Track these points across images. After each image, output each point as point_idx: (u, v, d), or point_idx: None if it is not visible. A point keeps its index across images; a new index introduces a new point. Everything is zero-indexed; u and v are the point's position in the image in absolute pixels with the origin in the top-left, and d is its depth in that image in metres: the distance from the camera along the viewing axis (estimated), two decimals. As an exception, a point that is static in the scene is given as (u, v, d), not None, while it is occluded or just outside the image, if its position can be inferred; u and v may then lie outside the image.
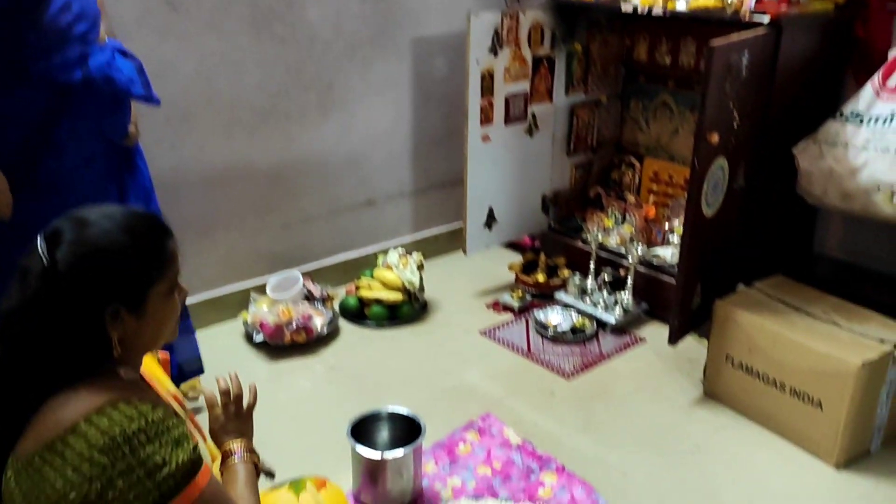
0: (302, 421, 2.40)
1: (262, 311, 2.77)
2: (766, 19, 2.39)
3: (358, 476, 2.01)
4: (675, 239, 3.08)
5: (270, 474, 1.49)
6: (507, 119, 3.08)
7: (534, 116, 3.17)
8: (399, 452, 1.94)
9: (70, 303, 1.12)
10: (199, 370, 2.41)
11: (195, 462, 1.14)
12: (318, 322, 2.78)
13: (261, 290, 2.95)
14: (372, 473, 1.96)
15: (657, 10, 2.72)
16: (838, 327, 2.27)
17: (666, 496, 2.08)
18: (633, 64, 3.39)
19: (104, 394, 1.12)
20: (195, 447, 1.16)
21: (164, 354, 1.54)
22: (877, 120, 2.42)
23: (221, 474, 1.39)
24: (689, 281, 2.43)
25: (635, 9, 2.80)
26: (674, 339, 2.50)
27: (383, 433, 2.13)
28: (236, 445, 1.41)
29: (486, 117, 2.99)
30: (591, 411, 2.47)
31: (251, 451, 1.42)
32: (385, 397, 2.50)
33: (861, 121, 2.46)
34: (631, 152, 3.48)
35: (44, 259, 1.12)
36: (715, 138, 2.25)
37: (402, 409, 2.11)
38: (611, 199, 3.42)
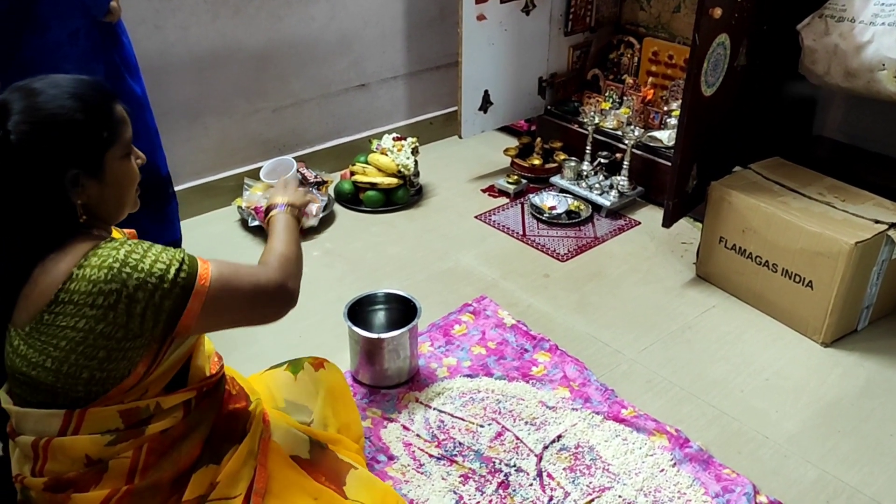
0: (299, 304, 2.43)
1: (256, 196, 2.75)
2: None
3: (355, 356, 2.05)
4: (672, 122, 3.03)
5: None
6: (503, -4, 2.96)
7: (531, -7, 3.06)
8: (395, 333, 1.97)
9: (28, 172, 1.12)
10: None
11: (191, 257, 1.18)
12: (313, 207, 2.77)
13: (254, 175, 2.93)
14: (369, 354, 2.00)
15: None
16: (833, 208, 2.26)
17: (656, 372, 2.14)
18: (635, -64, 3.23)
19: (83, 245, 1.15)
20: (180, 247, 1.18)
21: (130, 231, 1.53)
22: (886, -7, 2.33)
23: (266, 226, 1.45)
24: (686, 162, 2.41)
25: None
26: (668, 221, 2.50)
27: (380, 315, 2.17)
28: (279, 200, 1.46)
29: (481, -6, 2.88)
30: (584, 292, 2.50)
31: (294, 207, 1.46)
32: (381, 280, 2.53)
33: (870, -6, 2.36)
34: (630, 32, 3.37)
35: None
36: (717, 13, 2.17)
37: (399, 291, 2.14)
38: (608, 81, 3.34)
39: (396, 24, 3.22)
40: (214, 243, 2.73)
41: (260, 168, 2.91)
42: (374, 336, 1.97)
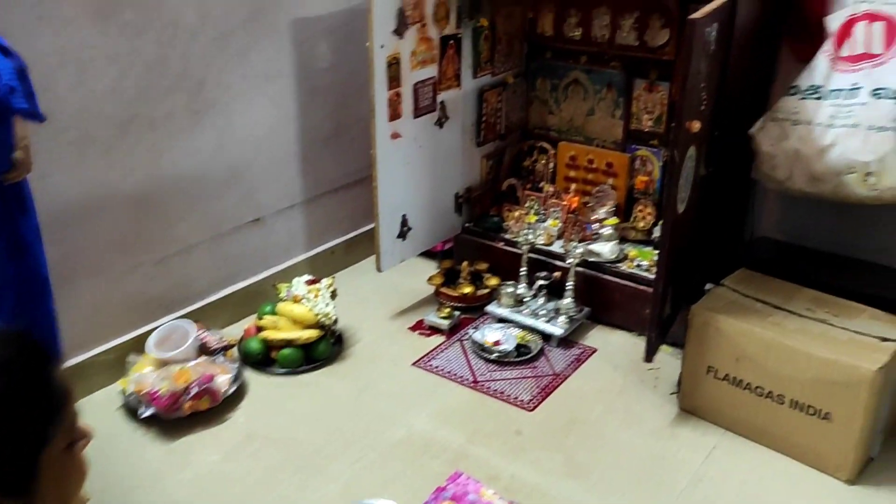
0: (229, 520, 1.89)
1: (147, 376, 2.18)
2: (724, -15, 2.11)
3: None
4: (607, 231, 2.80)
5: None
6: (417, 111, 2.64)
7: (443, 105, 2.76)
8: (393, 570, 1.50)
9: None
10: None
11: None
12: (223, 381, 2.24)
13: (139, 346, 2.35)
14: None
15: (588, -21, 2.38)
16: (831, 326, 2.07)
17: (689, 550, 1.80)
18: (537, 38, 3.04)
19: None
20: None
21: None
22: (838, 93, 2.23)
23: None
24: (666, 289, 2.15)
25: (560, -22, 2.45)
26: (650, 355, 2.22)
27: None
28: None
29: (394, 111, 2.54)
30: (568, 449, 2.13)
31: None
32: (326, 466, 2.05)
33: (820, 96, 2.26)
34: (541, 136, 3.16)
35: None
36: (696, 126, 1.95)
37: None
38: (526, 190, 3.09)
39: (290, 147, 2.80)
40: (95, 444, 2.11)
41: (147, 335, 2.35)
42: (366, 579, 1.48)
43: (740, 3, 2.13)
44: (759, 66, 2.49)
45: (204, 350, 2.33)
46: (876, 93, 2.16)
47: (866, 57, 2.21)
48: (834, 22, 2.32)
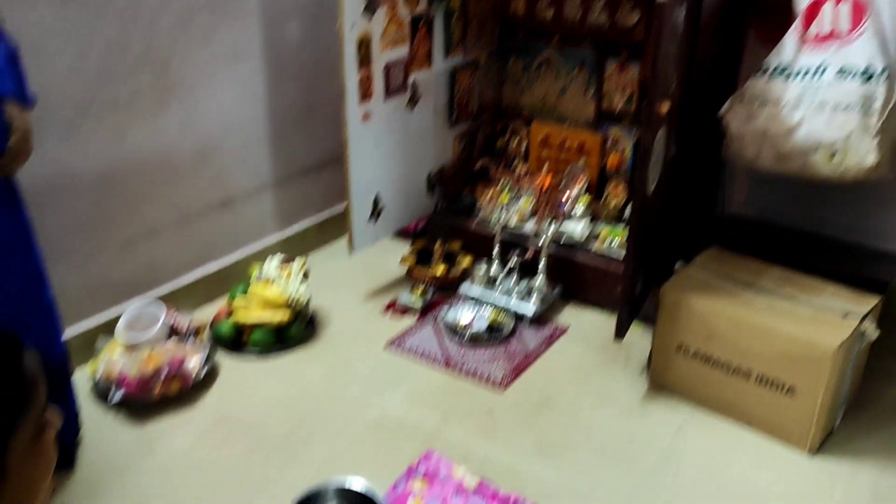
0: (200, 498, 1.88)
1: (117, 360, 2.16)
2: (693, -35, 2.10)
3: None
4: (579, 211, 2.81)
5: None
6: (388, 92, 2.62)
7: (414, 85, 2.74)
8: (364, 550, 1.51)
9: None
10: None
11: None
12: (194, 364, 2.22)
13: (108, 329, 2.32)
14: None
15: (559, -42, 2.36)
16: (797, 303, 2.10)
17: (658, 525, 1.83)
18: (509, 19, 3.03)
19: None
20: None
21: None
22: (805, 73, 2.25)
23: None
24: (637, 269, 2.16)
25: (531, -44, 2.43)
26: (621, 333, 2.23)
27: (327, 514, 1.68)
28: None
29: (365, 92, 2.52)
30: (540, 429, 2.15)
31: None
32: (299, 452, 2.04)
33: (788, 75, 2.27)
34: (514, 116, 3.15)
35: None
36: (665, 107, 1.96)
37: (355, 484, 1.66)
38: (499, 170, 3.08)
39: (260, 129, 2.77)
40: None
41: (116, 318, 2.32)
42: (338, 560, 1.49)
43: (709, -16, 2.14)
44: (726, 48, 2.51)
45: (174, 333, 2.32)
46: (841, 72, 2.18)
47: (833, 37, 2.23)
48: (802, 2, 2.33)
